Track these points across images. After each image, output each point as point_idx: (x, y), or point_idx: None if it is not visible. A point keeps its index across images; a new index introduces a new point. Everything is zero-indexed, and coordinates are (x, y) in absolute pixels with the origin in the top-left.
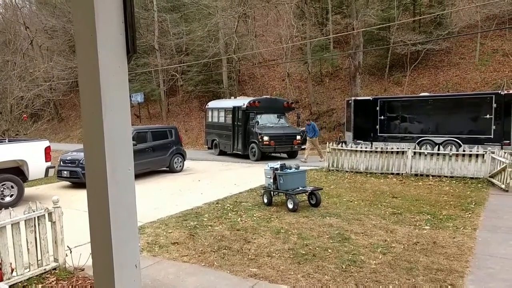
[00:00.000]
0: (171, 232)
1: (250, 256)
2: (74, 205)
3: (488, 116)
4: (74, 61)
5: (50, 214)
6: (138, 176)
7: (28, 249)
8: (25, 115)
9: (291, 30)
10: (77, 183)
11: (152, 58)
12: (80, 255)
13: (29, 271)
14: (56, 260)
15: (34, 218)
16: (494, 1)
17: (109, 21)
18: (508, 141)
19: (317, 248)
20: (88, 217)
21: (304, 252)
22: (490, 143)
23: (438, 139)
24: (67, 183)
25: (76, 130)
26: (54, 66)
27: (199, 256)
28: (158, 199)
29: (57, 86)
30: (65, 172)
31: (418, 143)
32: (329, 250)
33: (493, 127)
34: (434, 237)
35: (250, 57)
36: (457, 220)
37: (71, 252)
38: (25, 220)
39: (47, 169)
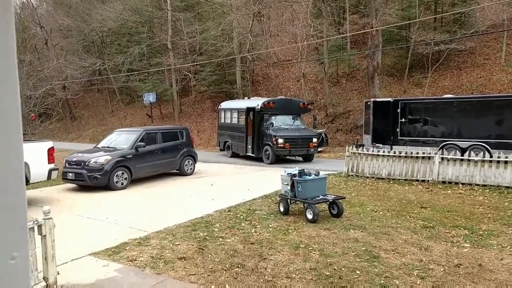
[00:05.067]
0: (179, 244)
1: (266, 277)
2: (76, 210)
3: None
4: (88, 60)
5: (40, 226)
6: (146, 179)
7: None
8: (33, 115)
9: (307, 29)
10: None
11: (165, 57)
12: (75, 271)
13: None
14: (46, 279)
15: None
16: None
17: None
18: None
19: (343, 269)
20: None
21: (328, 273)
22: None
23: (464, 144)
24: (73, 185)
25: (88, 130)
26: (68, 66)
27: (209, 275)
28: (166, 205)
29: (71, 85)
30: (70, 174)
31: (442, 148)
32: (357, 271)
33: None
34: (478, 257)
35: (264, 57)
36: (500, 237)
37: (58, 273)
38: None
39: (50, 171)
